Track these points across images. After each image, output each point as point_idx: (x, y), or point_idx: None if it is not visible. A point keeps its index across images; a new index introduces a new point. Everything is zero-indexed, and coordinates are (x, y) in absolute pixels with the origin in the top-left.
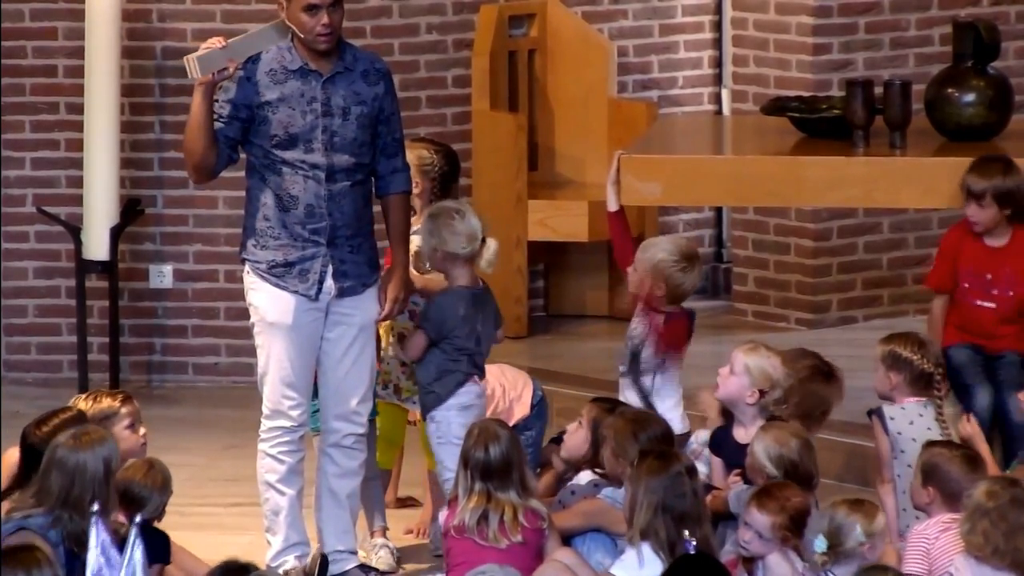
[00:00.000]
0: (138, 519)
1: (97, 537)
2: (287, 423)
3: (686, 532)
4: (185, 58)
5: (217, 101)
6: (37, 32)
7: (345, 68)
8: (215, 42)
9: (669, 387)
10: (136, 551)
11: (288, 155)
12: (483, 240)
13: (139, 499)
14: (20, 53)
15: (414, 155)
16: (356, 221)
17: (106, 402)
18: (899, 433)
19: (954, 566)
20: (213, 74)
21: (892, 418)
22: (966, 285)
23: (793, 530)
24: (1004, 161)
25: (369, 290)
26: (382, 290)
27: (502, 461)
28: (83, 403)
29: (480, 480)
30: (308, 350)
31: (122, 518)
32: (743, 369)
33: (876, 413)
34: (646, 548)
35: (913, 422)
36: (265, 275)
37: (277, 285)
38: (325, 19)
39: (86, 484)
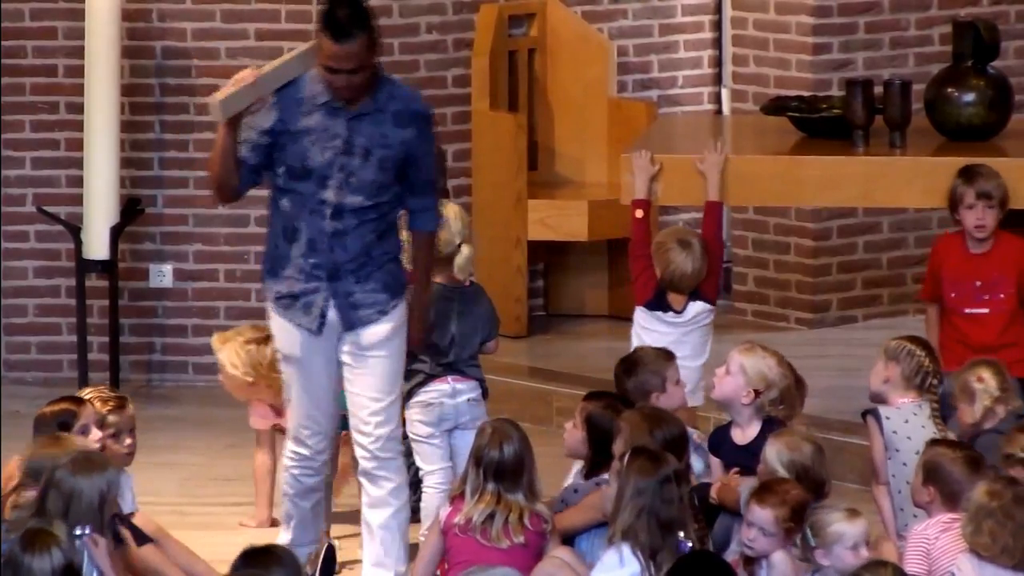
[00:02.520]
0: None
1: (90, 565)
2: (305, 451)
3: (680, 533)
4: (209, 99)
5: (244, 122)
6: (37, 32)
7: (376, 109)
8: (245, 75)
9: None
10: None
11: (300, 187)
12: (460, 245)
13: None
14: (20, 53)
15: None
16: (364, 255)
17: (111, 418)
18: (894, 432)
19: (956, 567)
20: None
21: (888, 418)
22: (953, 295)
23: (796, 523)
24: (987, 167)
25: (386, 317)
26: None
27: (515, 461)
28: (99, 404)
29: (493, 480)
30: (319, 382)
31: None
32: (739, 369)
33: (872, 413)
34: (626, 548)
35: (908, 420)
36: (274, 305)
37: (283, 316)
38: (343, 81)
39: (81, 512)
